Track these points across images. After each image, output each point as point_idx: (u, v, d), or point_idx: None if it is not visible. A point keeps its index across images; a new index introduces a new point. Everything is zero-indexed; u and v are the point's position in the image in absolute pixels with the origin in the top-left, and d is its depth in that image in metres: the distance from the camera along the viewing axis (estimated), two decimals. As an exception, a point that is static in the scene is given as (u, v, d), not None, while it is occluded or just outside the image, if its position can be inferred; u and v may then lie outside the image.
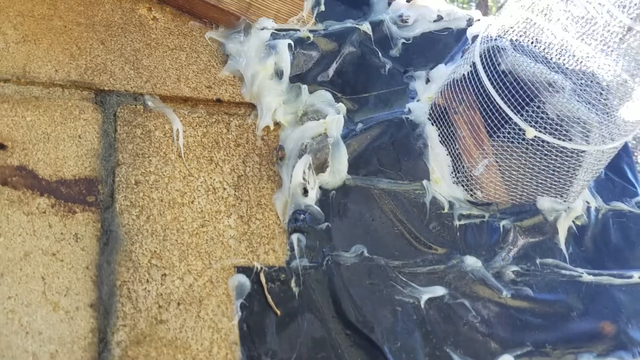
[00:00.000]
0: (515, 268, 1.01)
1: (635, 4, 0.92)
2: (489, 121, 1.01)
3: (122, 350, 0.80)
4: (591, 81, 0.97)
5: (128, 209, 0.90)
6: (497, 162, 1.02)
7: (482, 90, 1.01)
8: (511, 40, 1.02)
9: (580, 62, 0.97)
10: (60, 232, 0.85)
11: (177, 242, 0.90)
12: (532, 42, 1.00)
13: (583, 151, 0.97)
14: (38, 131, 0.91)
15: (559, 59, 0.98)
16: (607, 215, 1.13)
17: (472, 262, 0.99)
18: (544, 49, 0.99)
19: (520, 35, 1.01)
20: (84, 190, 0.89)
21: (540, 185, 1.03)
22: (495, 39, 1.04)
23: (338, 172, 0.99)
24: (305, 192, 0.97)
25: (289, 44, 1.07)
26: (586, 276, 1.04)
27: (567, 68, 0.98)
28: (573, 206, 1.07)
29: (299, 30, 1.12)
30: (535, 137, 0.94)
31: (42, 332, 0.78)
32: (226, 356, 0.84)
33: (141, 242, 0.88)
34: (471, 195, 1.04)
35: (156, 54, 1.05)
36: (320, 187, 0.98)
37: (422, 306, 0.94)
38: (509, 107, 0.95)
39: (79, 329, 0.79)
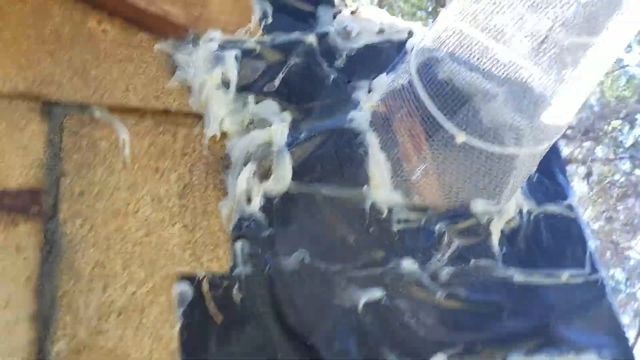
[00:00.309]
0: (449, 270, 1.02)
1: (552, 9, 0.93)
2: (426, 127, 1.02)
3: None
4: (520, 87, 0.98)
5: (72, 219, 0.88)
6: (434, 167, 1.03)
7: (418, 98, 1.02)
8: (448, 50, 1.02)
9: (510, 69, 0.98)
10: (1, 244, 0.83)
11: (121, 251, 0.89)
12: (465, 52, 1.00)
13: (514, 155, 0.98)
14: (-18, 143, 0.89)
15: (491, 67, 0.98)
16: (539, 218, 1.14)
17: (408, 264, 1.00)
18: (477, 58, 0.99)
19: (455, 46, 1.02)
20: (28, 201, 0.88)
21: (474, 188, 1.04)
22: (432, 50, 1.04)
23: (282, 179, 0.99)
24: (249, 199, 0.96)
25: (236, 55, 1.06)
26: (518, 276, 1.06)
27: (498, 76, 0.99)
28: (505, 209, 1.08)
29: (246, 41, 1.11)
30: (464, 142, 0.94)
31: (-17, 342, 0.77)
32: (167, 362, 0.84)
33: (84, 251, 0.86)
34: (409, 200, 1.05)
35: (104, 65, 1.03)
36: (264, 195, 0.98)
37: (360, 309, 0.94)
38: (440, 113, 0.95)
39: (19, 341, 0.78)
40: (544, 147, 1.00)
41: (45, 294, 0.82)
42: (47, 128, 0.94)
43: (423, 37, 1.08)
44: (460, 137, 0.94)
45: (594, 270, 1.13)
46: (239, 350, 0.87)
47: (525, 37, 0.95)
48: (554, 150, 1.25)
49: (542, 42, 0.95)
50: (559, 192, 1.20)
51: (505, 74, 0.98)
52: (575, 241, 1.15)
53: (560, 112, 0.99)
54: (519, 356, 0.97)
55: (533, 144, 0.98)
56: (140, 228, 0.91)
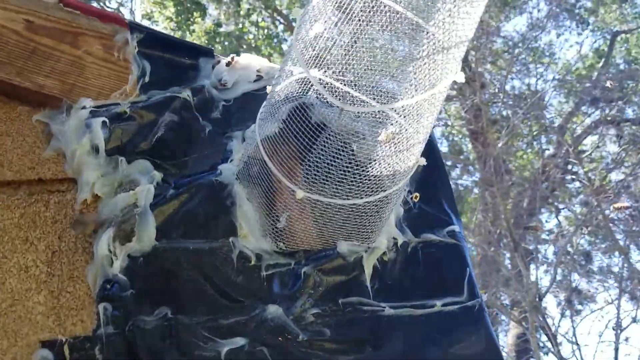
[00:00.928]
0: (315, 311, 1.03)
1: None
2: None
3: None
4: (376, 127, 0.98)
5: (-62, 298, 0.92)
6: (297, 213, 1.04)
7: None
8: (316, 94, 1.03)
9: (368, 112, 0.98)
10: None
11: (-16, 324, 0.92)
12: (327, 97, 1.01)
13: (364, 203, 0.99)
14: None
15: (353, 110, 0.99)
16: (417, 248, 1.14)
17: (273, 310, 1.01)
18: (340, 102, 1.00)
19: (317, 92, 1.02)
20: None
21: (337, 232, 1.05)
22: (301, 97, 1.05)
23: (145, 239, 1.01)
24: (111, 263, 0.99)
25: (103, 121, 1.09)
26: (388, 310, 1.06)
27: (361, 116, 0.99)
28: (376, 245, 1.09)
29: (119, 104, 1.14)
30: (305, 197, 0.95)
31: None
32: None
33: (-53, 329, 0.90)
34: (277, 245, 1.06)
35: (-19, 143, 1.07)
36: (128, 256, 1.00)
37: (222, 357, 0.96)
38: (282, 175, 0.96)
39: None
40: (396, 188, 1.00)
41: None
42: None
43: (279, 85, 1.09)
44: (299, 194, 0.95)
45: (472, 295, 1.12)
46: (100, 409, 0.90)
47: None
48: (441, 178, 1.24)
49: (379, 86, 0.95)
50: (443, 220, 1.19)
51: (369, 117, 0.98)
52: (454, 268, 1.15)
53: (412, 153, 0.99)
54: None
55: (382, 185, 0.98)
56: (5, 300, 0.95)
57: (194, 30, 8.70)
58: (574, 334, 6.37)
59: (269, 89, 1.06)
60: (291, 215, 1.04)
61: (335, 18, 0.87)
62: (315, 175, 0.95)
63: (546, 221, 9.38)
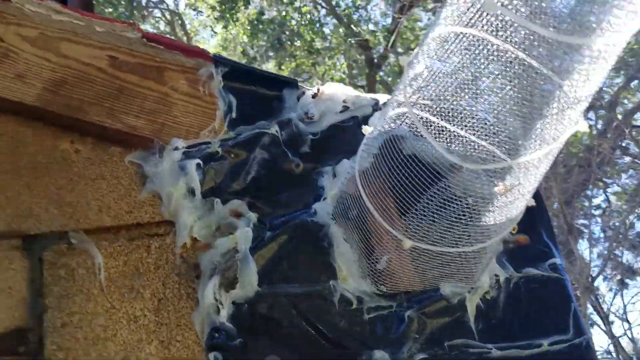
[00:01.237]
0: (422, 356, 1.02)
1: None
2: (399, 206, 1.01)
3: None
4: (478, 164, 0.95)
5: (55, 353, 0.94)
6: (397, 255, 1.02)
7: (388, 179, 1.01)
8: (409, 127, 1.01)
9: (469, 147, 0.95)
10: (-8, 388, 0.91)
11: (100, 378, 0.94)
12: (424, 132, 0.98)
13: (474, 250, 0.96)
14: (-30, 290, 0.96)
15: (450, 144, 0.96)
16: (519, 284, 1.11)
17: (379, 355, 1.00)
18: (436, 137, 0.97)
19: (413, 127, 1.00)
20: (15, 342, 0.94)
21: (441, 275, 1.03)
22: (394, 129, 1.03)
23: (248, 285, 1.01)
24: (218, 311, 0.99)
25: (198, 163, 1.09)
26: (495, 351, 1.04)
27: (459, 151, 0.96)
28: (479, 285, 1.06)
29: (209, 143, 1.13)
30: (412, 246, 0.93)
31: None
32: None
33: (66, 385, 0.93)
34: (377, 287, 1.05)
35: (79, 188, 1.08)
36: (233, 302, 1.01)
37: (333, 407, 0.96)
38: (384, 219, 0.94)
39: None
40: (506, 233, 0.98)
41: None
42: (28, 264, 1.00)
43: (377, 120, 1.07)
44: (407, 244, 0.93)
45: (579, 332, 1.09)
46: None
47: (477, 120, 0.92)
48: (539, 209, 1.20)
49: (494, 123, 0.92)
50: (543, 253, 1.16)
51: (465, 151, 0.95)
52: (559, 304, 1.12)
53: (526, 198, 0.96)
54: None
55: (494, 232, 0.95)
56: (118, 352, 0.97)
57: (237, 19, 8.66)
58: (625, 312, 6.26)
59: (366, 129, 1.04)
60: (391, 257, 1.03)
61: (461, 61, 0.83)
62: (419, 222, 0.93)
63: (594, 197, 9.16)
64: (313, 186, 1.14)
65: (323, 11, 9.54)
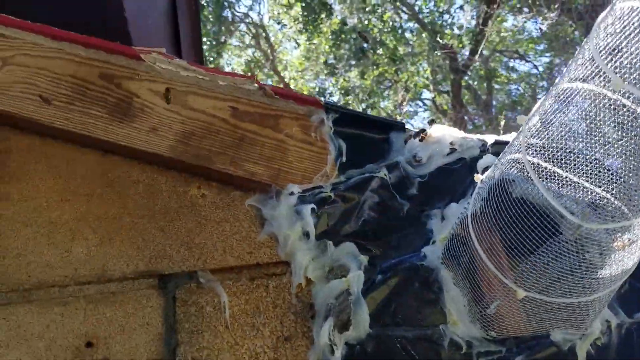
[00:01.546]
0: (533, 402, 1.03)
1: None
2: (509, 251, 1.04)
3: None
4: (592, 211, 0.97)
5: (188, 385, 1.05)
6: (508, 300, 1.05)
7: (499, 223, 1.04)
8: (520, 171, 1.03)
9: (581, 192, 0.96)
10: (137, 414, 1.02)
11: (228, 410, 1.04)
12: (534, 177, 1.00)
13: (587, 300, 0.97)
14: (115, 325, 1.09)
15: (561, 189, 0.98)
16: (632, 329, 1.10)
17: (490, 401, 1.03)
18: (545, 181, 0.99)
19: (525, 172, 1.02)
20: (154, 373, 1.06)
21: (552, 321, 1.04)
22: (504, 172, 1.06)
23: (360, 327, 1.07)
24: (333, 351, 1.06)
25: (312, 208, 1.17)
26: (608, 401, 1.04)
27: (571, 196, 0.98)
28: (590, 331, 1.07)
29: (322, 187, 1.21)
30: (525, 296, 0.95)
31: None
32: None
33: (199, 415, 1.03)
34: (487, 333, 1.08)
35: (206, 231, 1.19)
36: (346, 343, 1.07)
37: None
38: (495, 266, 0.97)
39: None
40: (620, 283, 0.98)
41: None
42: (163, 302, 1.12)
43: (491, 165, 1.10)
44: (520, 294, 0.95)
45: (699, 384, 1.07)
46: None
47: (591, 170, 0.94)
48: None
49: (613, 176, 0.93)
50: (656, 296, 1.14)
51: (578, 195, 0.97)
52: (676, 353, 1.09)
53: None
54: None
55: (609, 283, 0.96)
56: (243, 385, 1.06)
57: (321, 31, 8.86)
58: None
59: (478, 177, 1.07)
60: (501, 304, 1.05)
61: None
62: (536, 274, 0.95)
63: None
64: (422, 229, 1.18)
65: (405, 16, 9.55)
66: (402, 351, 1.06)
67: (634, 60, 0.70)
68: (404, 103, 10.99)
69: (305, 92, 11.94)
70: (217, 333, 1.09)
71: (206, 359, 1.07)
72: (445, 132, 1.26)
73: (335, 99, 11.64)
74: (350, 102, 11.39)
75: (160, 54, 1.27)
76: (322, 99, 1.30)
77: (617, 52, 0.73)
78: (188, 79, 1.26)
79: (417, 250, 1.15)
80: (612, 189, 0.90)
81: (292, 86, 11.64)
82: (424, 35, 10.70)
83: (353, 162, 1.25)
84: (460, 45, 10.83)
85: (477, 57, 10.66)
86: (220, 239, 1.18)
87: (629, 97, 0.83)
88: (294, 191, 1.20)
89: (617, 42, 0.73)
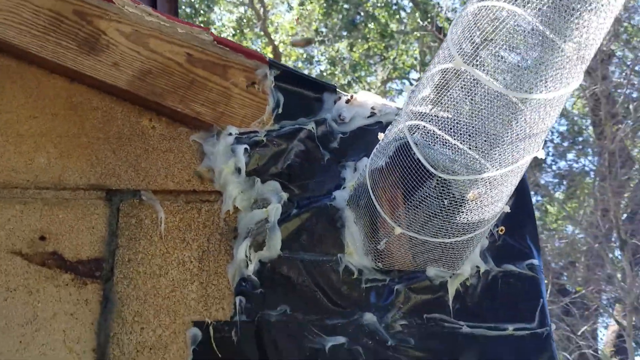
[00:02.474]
0: (403, 322, 1.28)
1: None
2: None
3: (110, 380, 1.19)
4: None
5: (121, 281, 1.28)
6: (394, 239, 1.28)
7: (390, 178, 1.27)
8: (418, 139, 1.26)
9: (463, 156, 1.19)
10: (76, 299, 1.25)
11: (153, 304, 1.27)
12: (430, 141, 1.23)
13: (454, 242, 1.21)
14: (66, 225, 1.31)
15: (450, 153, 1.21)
16: (497, 276, 1.35)
17: (369, 317, 1.28)
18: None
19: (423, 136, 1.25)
20: (94, 268, 1.28)
21: (428, 260, 1.28)
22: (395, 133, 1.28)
23: (273, 249, 1.30)
24: (247, 265, 1.29)
25: (245, 148, 1.38)
26: (465, 328, 1.29)
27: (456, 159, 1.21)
28: (460, 271, 1.31)
29: (257, 132, 1.42)
30: (402, 233, 1.19)
31: (63, 366, 1.19)
32: (180, 384, 1.21)
33: (128, 304, 1.25)
34: (376, 264, 1.32)
35: (152, 157, 1.40)
36: (259, 261, 1.30)
37: (327, 351, 1.25)
38: (383, 210, 1.20)
39: (82, 367, 1.19)
40: (481, 231, 1.22)
41: (101, 334, 1.22)
42: (108, 212, 1.33)
43: (393, 127, 1.32)
44: (397, 231, 1.19)
45: (542, 324, 1.32)
46: (233, 378, 1.22)
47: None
48: (529, 215, 1.43)
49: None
50: (524, 254, 1.38)
51: (460, 159, 1.20)
52: (529, 298, 1.34)
53: (497, 205, 1.20)
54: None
55: (469, 229, 1.20)
56: (168, 286, 1.29)
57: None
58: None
59: (380, 135, 1.29)
60: (389, 240, 1.29)
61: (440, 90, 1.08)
62: (413, 216, 1.19)
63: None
64: (336, 176, 1.41)
65: (400, -8, 9.72)
66: (305, 271, 1.30)
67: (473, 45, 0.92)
68: (383, 79, 11.14)
69: (293, 57, 12.04)
70: (152, 242, 1.32)
71: (140, 261, 1.30)
72: (368, 98, 1.48)
73: (322, 67, 11.76)
74: (336, 73, 11.51)
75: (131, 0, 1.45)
76: (267, 56, 1.50)
77: (463, 42, 0.95)
78: (151, 24, 1.45)
79: (330, 194, 1.38)
80: (471, 143, 1.13)
81: (281, 50, 11.70)
82: (417, 14, 10.81)
83: (288, 114, 1.46)
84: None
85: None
86: (164, 166, 1.39)
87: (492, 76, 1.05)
88: (232, 132, 1.41)
89: (464, 36, 0.95)
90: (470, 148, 1.05)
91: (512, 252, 1.37)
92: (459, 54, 0.95)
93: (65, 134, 1.38)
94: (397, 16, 10.71)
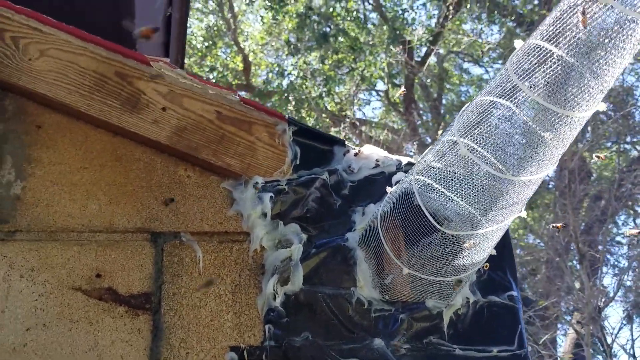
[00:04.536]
0: (407, 346, 1.54)
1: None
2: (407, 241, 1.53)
3: (163, 398, 1.41)
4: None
5: (168, 312, 1.50)
6: (400, 275, 1.54)
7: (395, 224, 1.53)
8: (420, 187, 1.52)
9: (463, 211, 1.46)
10: (130, 328, 1.47)
11: (196, 332, 1.49)
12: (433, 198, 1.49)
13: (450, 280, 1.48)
14: (118, 264, 1.52)
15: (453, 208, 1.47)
16: (484, 306, 1.62)
17: (378, 342, 1.53)
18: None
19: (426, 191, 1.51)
20: (144, 301, 1.50)
21: (428, 292, 1.54)
22: (406, 186, 1.54)
23: (297, 283, 1.55)
24: (275, 297, 1.53)
25: (270, 196, 1.62)
26: (458, 350, 1.56)
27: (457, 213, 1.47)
28: (454, 302, 1.58)
29: (279, 181, 1.66)
30: (409, 273, 1.45)
31: (122, 387, 1.41)
32: (221, 401, 1.44)
33: (175, 332, 1.48)
34: (383, 296, 1.57)
35: (189, 203, 1.63)
36: (285, 293, 1.54)
37: (343, 371, 1.50)
38: (391, 251, 1.46)
39: (140, 387, 1.41)
40: (472, 272, 1.49)
41: (153, 358, 1.45)
42: (154, 252, 1.55)
43: (400, 180, 1.58)
44: (405, 271, 1.45)
45: (521, 346, 1.60)
46: (265, 394, 1.46)
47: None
48: (508, 252, 1.71)
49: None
50: (505, 286, 1.66)
51: (452, 207, 1.47)
52: (510, 324, 1.62)
53: (486, 251, 1.47)
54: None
55: (463, 270, 1.46)
56: (207, 316, 1.52)
57: (287, 12, 9.19)
58: (632, 347, 6.63)
59: (389, 189, 1.55)
60: (394, 277, 1.55)
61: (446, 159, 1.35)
62: (417, 258, 1.45)
63: (623, 225, 9.48)
64: (347, 220, 1.66)
65: (369, 6, 10.08)
66: (323, 302, 1.55)
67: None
68: (353, 92, 11.44)
69: (262, 68, 12.25)
70: (192, 277, 1.54)
71: (183, 295, 1.52)
72: (373, 151, 1.74)
73: (292, 78, 11.99)
74: (307, 86, 11.73)
75: (165, 63, 1.68)
76: (286, 115, 1.75)
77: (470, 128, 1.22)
78: (185, 85, 1.68)
79: (343, 235, 1.64)
80: (474, 205, 1.40)
81: (250, 59, 11.90)
82: (385, 27, 11.16)
83: (305, 165, 1.71)
84: (418, 43, 11.36)
85: (432, 55, 11.24)
86: (199, 210, 1.62)
87: (484, 161, 1.33)
88: (258, 181, 1.65)
89: (469, 123, 1.23)
90: (472, 207, 1.32)
91: (495, 285, 1.65)
92: (465, 146, 1.22)
93: (113, 183, 1.60)
94: (365, 30, 11.05)
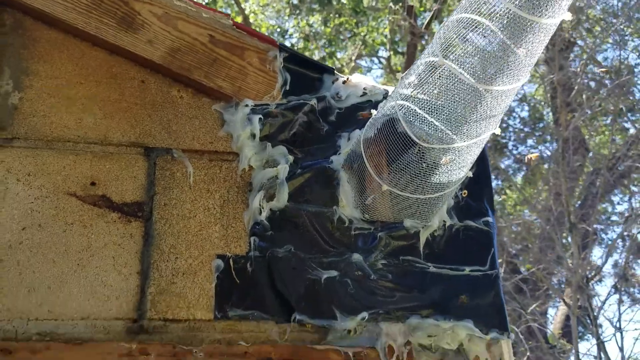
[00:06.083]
0: (383, 262, 1.66)
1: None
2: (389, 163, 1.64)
3: (152, 297, 1.53)
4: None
5: (159, 220, 1.61)
6: (380, 196, 1.66)
7: (380, 147, 1.64)
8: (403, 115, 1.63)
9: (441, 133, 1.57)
10: (122, 233, 1.58)
11: (185, 239, 1.61)
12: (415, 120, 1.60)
13: (428, 199, 1.59)
14: (112, 174, 1.63)
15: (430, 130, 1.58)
16: (459, 229, 1.74)
17: (356, 257, 1.65)
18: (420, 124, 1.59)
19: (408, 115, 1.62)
20: (136, 209, 1.61)
21: (406, 212, 1.66)
22: (386, 111, 1.65)
23: (281, 200, 1.66)
24: (260, 212, 1.65)
25: (260, 117, 1.73)
26: (432, 268, 1.68)
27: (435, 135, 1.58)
28: (430, 224, 1.70)
29: (269, 105, 1.77)
30: (388, 189, 1.57)
31: (112, 285, 1.53)
32: (207, 303, 1.56)
33: (165, 239, 1.60)
34: (363, 215, 1.69)
35: (181, 122, 1.73)
36: (270, 209, 1.66)
37: (322, 281, 1.62)
38: (373, 171, 1.57)
39: (131, 285, 1.53)
40: (449, 191, 1.60)
41: (144, 261, 1.57)
42: (147, 165, 1.66)
43: (382, 107, 1.69)
44: (384, 187, 1.56)
45: (492, 267, 1.73)
46: (249, 298, 1.58)
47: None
48: (486, 181, 1.82)
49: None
50: (481, 213, 1.78)
51: (439, 135, 1.58)
52: (484, 247, 1.75)
53: (462, 170, 1.58)
54: (416, 318, 1.61)
55: (441, 188, 1.58)
56: (196, 226, 1.63)
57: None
58: (619, 320, 6.83)
59: (373, 112, 1.66)
60: (375, 197, 1.66)
61: (426, 76, 1.45)
62: (397, 176, 1.57)
63: (618, 203, 9.65)
64: (333, 144, 1.77)
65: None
66: (306, 218, 1.66)
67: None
68: (354, 58, 11.46)
69: (263, 30, 12.23)
70: (182, 190, 1.66)
71: (174, 205, 1.64)
72: (361, 80, 1.84)
73: (294, 41, 11.99)
74: (309, 48, 11.73)
75: (161, -14, 1.76)
76: (277, 40, 1.84)
77: (445, 42, 1.32)
78: (179, 7, 1.77)
79: (328, 158, 1.75)
80: (445, 121, 1.50)
81: (251, 20, 11.88)
82: (388, -8, 11.13)
83: (294, 90, 1.81)
84: (422, 9, 11.35)
85: (435, 21, 11.25)
86: (191, 130, 1.73)
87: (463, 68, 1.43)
88: (248, 104, 1.75)
89: (446, 37, 1.32)
90: (444, 125, 1.43)
91: (471, 210, 1.77)
92: (441, 53, 1.32)
93: (108, 99, 1.70)
94: (369, -8, 11.01)
